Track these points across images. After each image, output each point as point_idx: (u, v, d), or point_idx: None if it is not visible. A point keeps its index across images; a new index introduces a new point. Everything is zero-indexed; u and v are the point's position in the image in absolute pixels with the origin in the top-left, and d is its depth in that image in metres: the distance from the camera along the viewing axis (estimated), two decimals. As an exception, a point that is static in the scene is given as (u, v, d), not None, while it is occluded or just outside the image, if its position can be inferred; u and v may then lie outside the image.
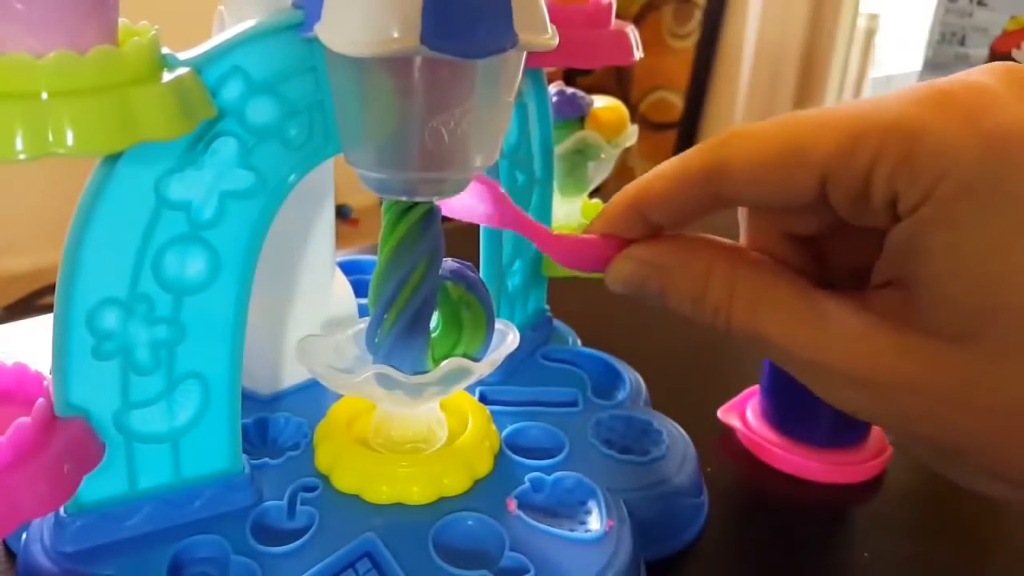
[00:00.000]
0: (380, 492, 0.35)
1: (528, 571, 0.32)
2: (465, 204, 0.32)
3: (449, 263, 0.36)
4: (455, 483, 0.36)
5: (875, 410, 0.22)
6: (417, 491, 0.35)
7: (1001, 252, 0.19)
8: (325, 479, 0.36)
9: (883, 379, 0.21)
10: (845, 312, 0.22)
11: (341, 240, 0.46)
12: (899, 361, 0.21)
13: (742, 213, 0.28)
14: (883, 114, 0.21)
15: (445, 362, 0.34)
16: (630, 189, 0.26)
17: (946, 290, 0.20)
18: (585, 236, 0.28)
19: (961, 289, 0.19)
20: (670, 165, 0.25)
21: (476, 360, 0.35)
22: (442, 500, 0.35)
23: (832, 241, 0.26)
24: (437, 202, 0.33)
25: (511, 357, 0.37)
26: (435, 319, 0.36)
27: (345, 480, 0.36)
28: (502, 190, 0.32)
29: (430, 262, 0.34)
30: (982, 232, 0.19)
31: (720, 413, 0.48)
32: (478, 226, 0.44)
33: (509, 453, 0.39)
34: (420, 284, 0.33)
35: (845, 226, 0.24)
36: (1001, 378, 0.19)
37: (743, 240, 0.28)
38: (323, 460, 0.37)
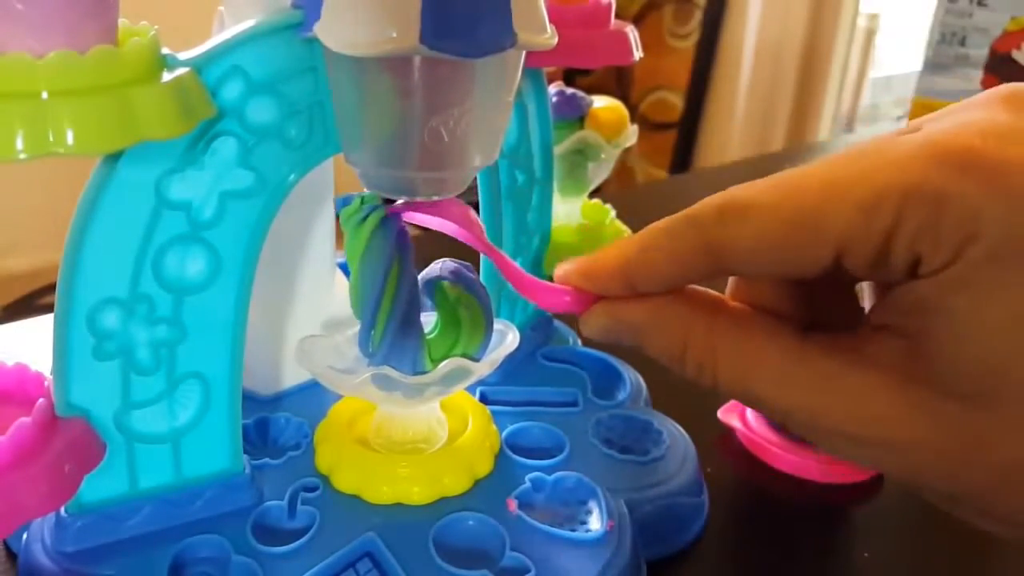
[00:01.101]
0: (380, 492, 0.35)
1: (529, 571, 0.32)
2: (440, 224, 0.32)
3: (447, 263, 0.36)
4: (455, 483, 0.36)
5: (880, 464, 0.22)
6: (417, 491, 0.35)
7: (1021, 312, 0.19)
8: (325, 479, 0.36)
9: (888, 439, 0.21)
10: (841, 369, 0.21)
11: (341, 240, 0.46)
12: (905, 421, 0.20)
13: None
14: (899, 177, 0.20)
15: (445, 362, 0.34)
16: (616, 259, 0.25)
17: (963, 351, 0.19)
18: (556, 286, 0.27)
19: (979, 352, 0.19)
20: (663, 240, 0.24)
21: (475, 360, 0.35)
22: (442, 500, 0.35)
23: (821, 282, 0.24)
24: (407, 217, 0.33)
25: (511, 357, 0.37)
26: (433, 320, 0.36)
27: (346, 480, 0.36)
28: (475, 217, 0.32)
29: (401, 263, 0.34)
30: (1007, 298, 0.19)
31: (720, 413, 0.48)
32: (478, 226, 0.44)
33: (509, 453, 0.39)
34: (399, 287, 0.33)
35: (843, 276, 0.23)
36: (1012, 439, 0.19)
37: (728, 286, 0.27)
38: (323, 460, 0.37)
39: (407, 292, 0.34)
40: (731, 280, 0.27)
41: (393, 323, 0.34)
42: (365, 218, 0.33)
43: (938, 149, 0.19)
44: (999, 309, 0.19)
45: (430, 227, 0.33)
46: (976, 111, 0.21)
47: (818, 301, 0.25)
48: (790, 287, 0.25)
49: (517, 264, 0.31)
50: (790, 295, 0.25)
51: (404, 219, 0.33)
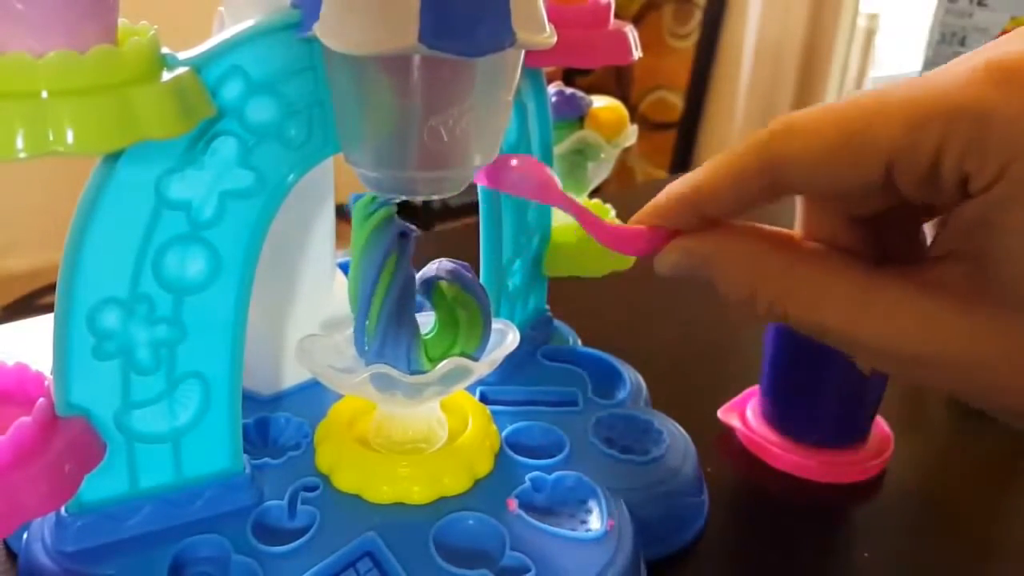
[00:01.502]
0: (381, 492, 0.35)
1: (529, 570, 0.32)
2: (514, 179, 0.32)
3: (444, 263, 0.36)
4: (455, 483, 0.36)
5: (954, 388, 0.22)
6: (417, 491, 0.35)
7: None
8: (326, 479, 0.36)
9: (958, 360, 0.21)
10: (910, 294, 0.22)
11: (341, 240, 0.46)
12: (973, 342, 0.21)
13: (798, 200, 0.27)
14: (947, 96, 0.20)
15: (445, 362, 0.34)
16: (682, 187, 0.26)
17: (1020, 266, 0.20)
18: (631, 227, 0.28)
19: None
20: (724, 162, 0.25)
21: (474, 359, 0.35)
22: (442, 500, 0.35)
23: (889, 217, 0.25)
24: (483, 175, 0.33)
25: (511, 357, 0.37)
26: (432, 320, 0.36)
27: (346, 480, 0.36)
28: (551, 172, 0.32)
29: (399, 259, 0.34)
30: None
31: (720, 413, 0.48)
32: (478, 226, 0.44)
33: (510, 453, 0.39)
34: (393, 279, 0.34)
35: (904, 203, 0.24)
36: None
37: (798, 224, 0.27)
38: (324, 460, 0.37)
39: (401, 284, 0.34)
40: (801, 218, 0.27)
41: (385, 313, 0.34)
42: (373, 212, 0.33)
43: (986, 69, 0.20)
44: None
45: (508, 190, 0.33)
46: (1015, 40, 0.21)
47: (886, 239, 0.26)
48: (858, 225, 0.26)
49: (594, 215, 0.30)
50: (859, 233, 0.26)
51: (484, 182, 0.34)
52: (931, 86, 0.21)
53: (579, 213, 0.30)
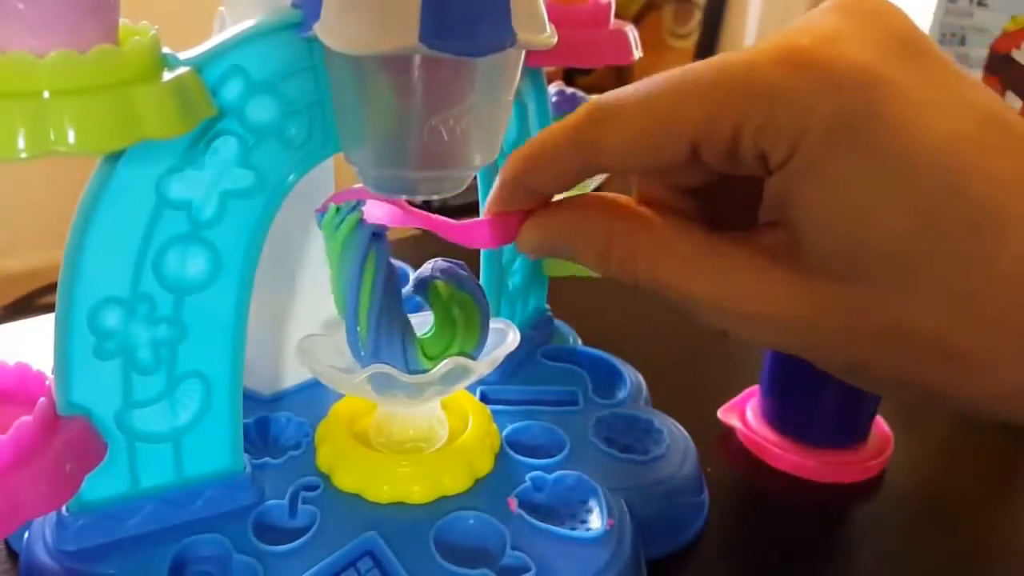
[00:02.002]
0: (381, 491, 0.35)
1: (529, 570, 0.32)
2: (375, 214, 0.33)
3: (438, 262, 0.36)
4: (455, 482, 0.36)
5: (780, 343, 0.24)
6: (418, 490, 0.35)
7: (863, 195, 0.20)
8: (326, 478, 0.36)
9: (780, 318, 0.22)
10: (739, 257, 0.23)
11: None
12: (790, 302, 0.22)
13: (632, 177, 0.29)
14: (741, 79, 0.22)
15: (445, 361, 0.34)
16: (508, 167, 0.27)
17: (823, 235, 0.21)
18: (483, 218, 0.28)
19: (835, 233, 0.21)
20: (543, 142, 0.26)
21: (473, 357, 0.35)
22: (442, 499, 0.35)
23: (718, 186, 0.27)
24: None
25: (512, 356, 0.37)
26: (429, 320, 0.36)
27: (346, 479, 0.36)
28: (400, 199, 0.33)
29: (377, 257, 0.34)
30: (847, 179, 0.20)
31: (720, 413, 0.48)
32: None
33: (510, 452, 0.39)
34: (376, 276, 0.34)
35: (730, 179, 0.25)
36: (880, 306, 0.21)
37: (635, 194, 0.28)
38: (324, 459, 0.37)
39: (384, 284, 0.34)
40: (636, 187, 0.28)
41: (374, 316, 0.34)
42: (341, 222, 0.34)
43: (774, 51, 0.21)
44: (841, 192, 0.21)
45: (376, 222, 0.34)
46: (812, 21, 0.23)
47: (720, 205, 0.27)
48: (690, 194, 0.27)
49: (445, 220, 0.31)
50: (692, 200, 0.27)
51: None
52: (728, 67, 0.22)
53: (424, 220, 0.31)
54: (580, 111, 0.25)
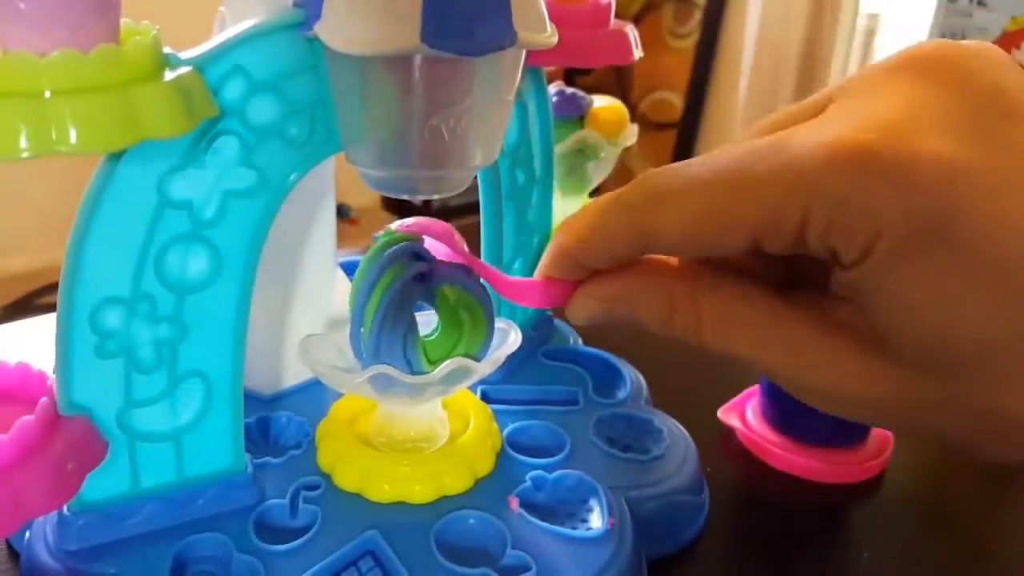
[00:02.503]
0: (382, 491, 0.35)
1: (530, 569, 0.32)
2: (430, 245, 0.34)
3: (444, 256, 0.36)
4: (456, 482, 0.36)
5: (860, 418, 0.23)
6: (419, 490, 0.35)
7: (950, 299, 0.19)
8: (327, 478, 0.36)
9: (858, 398, 0.22)
10: (813, 333, 0.22)
11: (341, 240, 0.46)
12: (873, 385, 0.21)
13: None
14: (805, 176, 0.20)
15: (447, 362, 0.34)
16: (561, 240, 0.26)
17: (906, 331, 0.20)
18: (536, 280, 0.28)
19: (920, 332, 0.20)
20: (596, 219, 0.25)
21: (477, 359, 0.35)
22: (443, 499, 0.35)
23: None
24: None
25: (512, 356, 0.37)
26: (435, 322, 0.36)
27: (347, 478, 0.36)
28: (456, 237, 0.33)
29: (397, 275, 0.34)
30: (930, 283, 0.19)
31: (720, 413, 0.48)
32: (478, 226, 0.44)
33: (511, 452, 0.39)
34: (387, 289, 0.34)
35: None
36: (971, 398, 0.20)
37: None
38: (325, 459, 0.37)
39: (397, 290, 0.34)
40: None
41: (379, 314, 0.34)
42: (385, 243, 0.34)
43: (841, 150, 0.20)
44: (925, 295, 0.20)
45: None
46: (884, 90, 0.21)
47: (792, 263, 0.26)
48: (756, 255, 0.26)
49: (498, 272, 0.31)
50: (759, 260, 0.26)
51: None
52: (796, 158, 0.21)
53: (481, 269, 0.31)
54: (634, 189, 0.24)
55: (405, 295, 0.34)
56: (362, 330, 0.34)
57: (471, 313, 0.35)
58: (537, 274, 0.28)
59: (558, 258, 0.27)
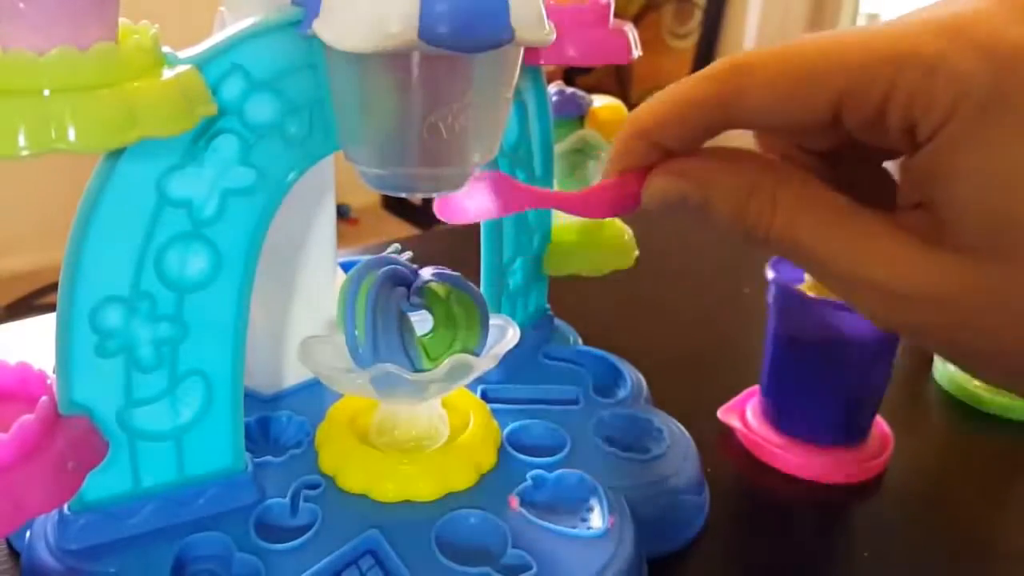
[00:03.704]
0: (387, 490, 0.35)
1: (530, 568, 0.32)
2: (477, 206, 0.32)
3: (427, 269, 0.36)
4: (461, 478, 0.36)
5: (905, 322, 0.23)
6: (424, 487, 0.35)
7: (1017, 169, 0.20)
8: (330, 480, 0.36)
9: (917, 293, 0.22)
10: (882, 227, 0.23)
11: (341, 240, 0.46)
12: (933, 278, 0.21)
13: (755, 134, 0.28)
14: (899, 43, 0.21)
15: (450, 358, 0.34)
16: (634, 119, 0.26)
17: (974, 208, 0.21)
18: (605, 182, 0.27)
19: (988, 207, 0.20)
20: (678, 92, 0.25)
21: (476, 354, 0.35)
22: (447, 497, 0.35)
23: (848, 157, 0.26)
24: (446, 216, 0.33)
25: (512, 356, 0.37)
26: (430, 320, 0.36)
27: (352, 481, 0.36)
28: (501, 175, 0.31)
29: (376, 278, 0.34)
30: (1003, 150, 0.20)
31: (720, 413, 0.48)
32: (478, 226, 0.44)
33: (511, 451, 0.39)
34: (370, 289, 0.34)
35: (863, 149, 0.24)
36: None
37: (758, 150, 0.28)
38: (328, 462, 0.37)
39: (381, 284, 0.34)
40: (760, 143, 0.28)
41: (369, 313, 0.34)
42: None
43: (927, 23, 0.21)
44: (997, 162, 0.20)
45: (471, 220, 0.32)
46: (973, 1, 0.22)
47: (845, 177, 0.26)
48: (814, 157, 0.26)
49: (559, 192, 0.30)
50: (821, 163, 0.26)
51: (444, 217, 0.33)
52: (886, 32, 0.22)
53: (539, 199, 0.30)
54: (716, 66, 0.24)
55: (389, 294, 0.34)
56: (356, 332, 0.34)
57: (463, 307, 0.36)
58: (604, 173, 0.27)
59: (632, 138, 0.26)
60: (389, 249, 0.36)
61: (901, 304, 0.22)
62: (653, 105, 0.26)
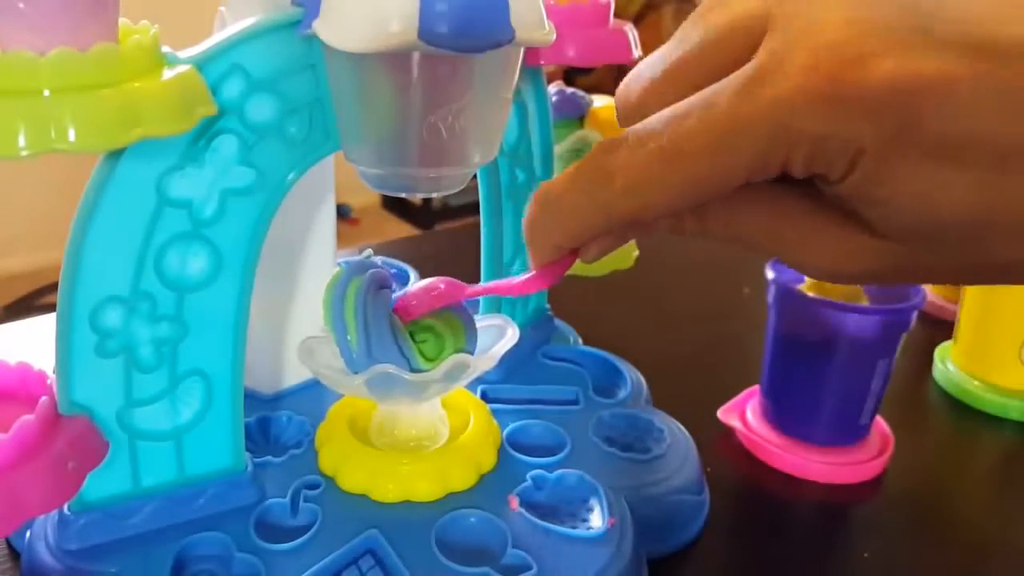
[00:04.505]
0: (387, 490, 0.35)
1: (530, 568, 0.32)
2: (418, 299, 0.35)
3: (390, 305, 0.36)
4: (462, 478, 0.36)
5: (858, 283, 0.27)
6: (424, 487, 0.35)
7: (927, 189, 0.21)
8: (332, 481, 0.36)
9: (856, 272, 0.24)
10: (816, 217, 0.24)
11: (341, 240, 0.46)
12: (867, 261, 0.24)
13: None
14: (778, 124, 0.21)
15: (448, 359, 0.34)
16: (525, 231, 0.26)
17: (898, 224, 0.22)
18: (532, 274, 0.28)
19: (913, 220, 0.22)
20: (569, 224, 0.25)
21: (470, 352, 0.35)
22: (448, 497, 0.35)
23: None
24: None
25: (512, 356, 0.37)
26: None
27: (352, 480, 0.36)
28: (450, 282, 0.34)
29: (362, 282, 0.35)
30: (914, 176, 0.21)
31: (720, 413, 0.48)
32: (478, 226, 0.44)
33: (511, 451, 0.39)
34: (358, 292, 0.34)
35: None
36: (963, 256, 0.23)
37: None
38: (328, 462, 0.37)
39: (367, 287, 0.35)
40: None
41: (359, 314, 0.34)
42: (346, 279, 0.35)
43: (806, 89, 0.21)
44: (905, 190, 0.21)
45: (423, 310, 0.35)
46: (823, 30, 0.22)
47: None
48: None
49: (496, 283, 0.31)
50: None
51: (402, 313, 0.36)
52: (757, 106, 0.22)
53: (487, 290, 0.32)
54: (588, 166, 0.24)
55: (377, 297, 0.34)
56: (348, 337, 0.34)
57: (438, 318, 0.36)
58: (532, 263, 0.28)
59: (534, 250, 0.26)
60: (363, 254, 0.36)
61: (826, 276, 0.25)
62: (556, 225, 0.25)
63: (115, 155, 0.29)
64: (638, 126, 0.24)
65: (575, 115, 0.56)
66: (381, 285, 0.35)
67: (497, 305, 0.45)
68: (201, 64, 0.29)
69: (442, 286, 0.35)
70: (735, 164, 0.22)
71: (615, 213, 0.24)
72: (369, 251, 0.37)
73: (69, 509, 0.33)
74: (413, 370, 0.35)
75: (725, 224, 0.25)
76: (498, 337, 0.37)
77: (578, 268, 0.50)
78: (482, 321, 0.37)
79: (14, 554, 0.36)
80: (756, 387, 0.49)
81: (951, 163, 0.21)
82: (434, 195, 0.32)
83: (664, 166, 0.23)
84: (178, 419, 0.33)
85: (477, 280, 0.43)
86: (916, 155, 0.21)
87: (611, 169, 0.24)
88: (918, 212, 0.22)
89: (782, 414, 0.46)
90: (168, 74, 0.27)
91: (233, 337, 0.33)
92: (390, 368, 0.34)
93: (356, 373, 0.35)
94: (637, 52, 0.45)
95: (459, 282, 0.35)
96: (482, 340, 0.37)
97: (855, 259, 0.24)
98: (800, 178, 0.23)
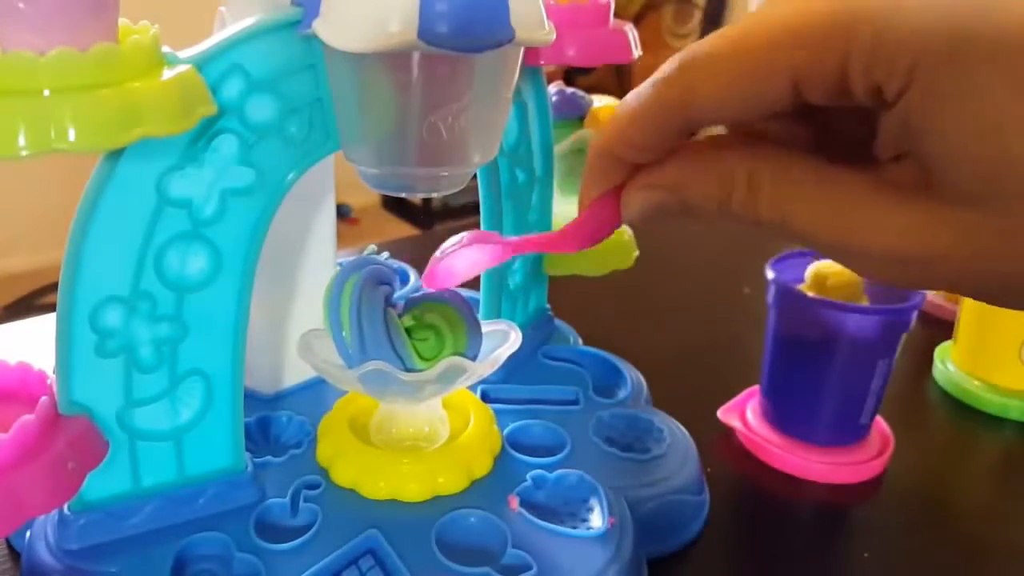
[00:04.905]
0: (377, 487, 0.35)
1: (530, 568, 0.32)
2: (468, 262, 0.32)
3: (404, 290, 0.37)
4: (451, 482, 0.36)
5: (911, 280, 0.22)
6: (414, 488, 0.35)
7: (998, 112, 0.19)
8: (326, 474, 0.36)
9: (915, 254, 0.21)
10: (868, 191, 0.22)
11: (341, 240, 0.46)
12: (928, 236, 0.21)
13: None
14: (843, 9, 0.21)
15: (443, 361, 0.34)
16: (597, 143, 0.26)
17: (964, 159, 0.20)
18: (580, 215, 0.27)
19: (980, 154, 0.20)
20: (632, 107, 0.24)
21: (471, 357, 0.35)
22: (440, 498, 0.35)
23: (828, 117, 0.25)
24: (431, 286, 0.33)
25: (513, 356, 0.37)
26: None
27: (343, 474, 0.36)
28: (481, 232, 0.32)
29: (359, 280, 0.35)
30: (983, 96, 0.19)
31: (720, 413, 0.48)
32: (478, 225, 0.44)
33: (511, 451, 0.39)
34: (354, 289, 0.34)
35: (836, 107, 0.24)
36: None
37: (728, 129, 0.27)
38: (324, 453, 0.37)
39: (363, 284, 0.35)
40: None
41: (354, 311, 0.34)
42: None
43: None
44: (972, 113, 0.19)
45: (461, 280, 0.32)
46: None
47: (828, 135, 0.25)
48: (802, 123, 0.26)
49: (540, 235, 0.30)
50: (798, 126, 0.26)
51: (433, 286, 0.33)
52: (825, 3, 0.21)
53: (530, 244, 0.30)
54: (666, 68, 0.24)
55: (373, 293, 0.34)
56: (344, 334, 0.34)
57: (440, 313, 0.36)
58: (580, 203, 0.27)
59: (598, 160, 0.26)
60: (367, 251, 0.36)
61: (896, 266, 0.22)
62: (612, 124, 0.25)
63: (115, 155, 0.29)
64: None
65: (575, 115, 0.56)
66: (380, 282, 0.35)
67: (498, 305, 0.45)
68: (201, 64, 0.29)
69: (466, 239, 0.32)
70: (790, 50, 0.21)
71: (686, 107, 0.23)
72: (373, 247, 0.37)
73: (69, 509, 0.33)
74: (408, 370, 0.35)
75: (776, 203, 0.23)
76: (501, 342, 0.37)
77: (578, 268, 0.50)
78: (486, 327, 0.37)
79: (14, 554, 0.36)
80: (756, 387, 0.49)
81: (1014, 78, 0.19)
82: (434, 195, 0.32)
83: (729, 51, 0.22)
84: (178, 419, 0.33)
85: (477, 286, 0.43)
86: (989, 70, 0.19)
87: (687, 63, 0.23)
88: (985, 148, 0.19)
89: (782, 414, 0.46)
90: (168, 74, 0.27)
91: (233, 337, 0.33)
92: (382, 365, 0.34)
93: (349, 364, 0.35)
94: (637, 52, 0.45)
95: (490, 232, 0.32)
96: (485, 344, 0.37)
97: (924, 233, 0.21)
98: (857, 99, 0.21)
